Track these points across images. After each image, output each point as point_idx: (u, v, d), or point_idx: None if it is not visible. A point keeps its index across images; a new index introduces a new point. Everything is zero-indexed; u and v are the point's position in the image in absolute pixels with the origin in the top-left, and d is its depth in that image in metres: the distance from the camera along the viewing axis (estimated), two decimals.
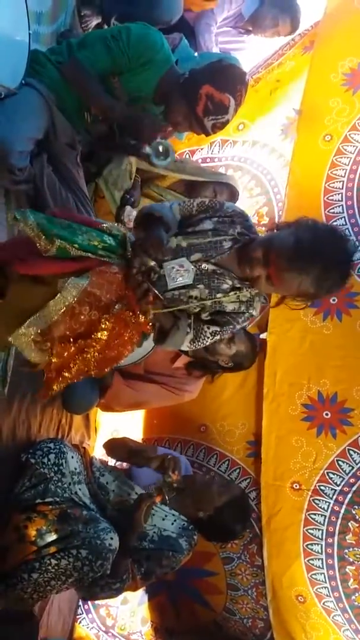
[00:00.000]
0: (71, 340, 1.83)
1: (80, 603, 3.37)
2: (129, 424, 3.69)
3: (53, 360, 1.83)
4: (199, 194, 3.37)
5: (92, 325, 1.83)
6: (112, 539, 2.30)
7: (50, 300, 1.81)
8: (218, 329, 1.93)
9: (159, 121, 2.84)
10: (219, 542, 3.22)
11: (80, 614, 3.37)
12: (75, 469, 2.55)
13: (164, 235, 1.86)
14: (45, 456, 2.47)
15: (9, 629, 2.31)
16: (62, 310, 1.81)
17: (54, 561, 2.20)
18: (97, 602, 3.35)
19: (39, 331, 1.82)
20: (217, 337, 1.94)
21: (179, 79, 2.62)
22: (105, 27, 3.40)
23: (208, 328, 1.92)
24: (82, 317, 1.82)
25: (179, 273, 1.88)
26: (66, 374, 1.87)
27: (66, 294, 1.82)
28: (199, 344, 1.93)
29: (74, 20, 3.28)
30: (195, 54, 3.61)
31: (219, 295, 1.89)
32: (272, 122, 3.69)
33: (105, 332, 1.83)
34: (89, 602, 3.38)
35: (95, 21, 3.41)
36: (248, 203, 3.67)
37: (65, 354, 1.84)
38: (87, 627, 3.35)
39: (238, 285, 1.91)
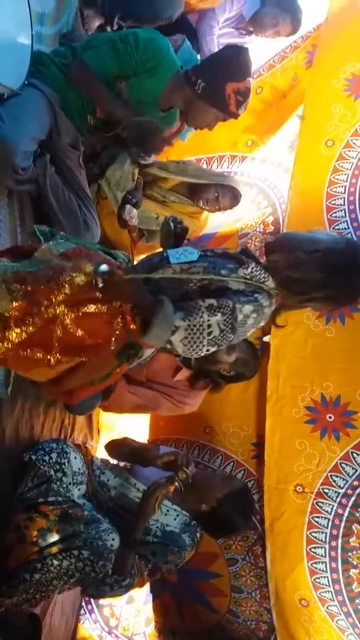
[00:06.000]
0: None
1: (84, 603, 3.37)
2: (136, 425, 3.71)
3: (14, 305, 1.75)
4: (201, 196, 3.38)
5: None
6: (113, 539, 2.30)
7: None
8: (215, 304, 1.75)
9: (163, 128, 2.84)
10: (222, 537, 3.21)
11: (83, 614, 3.37)
12: (79, 469, 2.55)
13: None
14: (47, 455, 2.47)
15: (12, 629, 2.30)
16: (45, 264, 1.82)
17: (55, 562, 2.21)
18: (101, 602, 3.35)
19: (11, 273, 1.79)
20: (215, 320, 1.74)
21: (194, 91, 2.58)
22: (108, 28, 3.41)
23: (207, 310, 1.74)
24: (64, 275, 1.80)
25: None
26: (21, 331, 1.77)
27: (55, 244, 1.85)
28: (196, 338, 1.74)
29: (77, 21, 3.28)
30: (198, 56, 3.62)
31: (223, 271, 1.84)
32: (280, 140, 3.75)
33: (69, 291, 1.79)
34: (93, 602, 3.38)
35: (97, 22, 3.40)
36: (255, 215, 3.71)
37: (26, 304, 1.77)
38: (90, 628, 3.35)
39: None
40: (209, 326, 1.73)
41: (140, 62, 2.53)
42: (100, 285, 1.77)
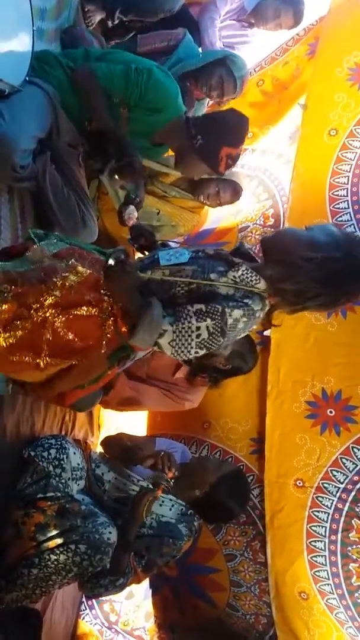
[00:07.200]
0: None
1: (84, 599, 3.39)
2: (134, 421, 3.71)
3: (3, 307, 1.73)
4: (202, 191, 3.37)
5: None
6: (110, 532, 2.30)
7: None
8: (204, 309, 1.72)
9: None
10: (219, 524, 3.24)
11: (83, 610, 3.39)
12: (78, 464, 2.55)
13: None
14: (46, 451, 2.47)
15: (12, 625, 2.32)
16: (37, 264, 1.79)
17: (53, 556, 2.22)
18: (101, 597, 3.37)
19: (1, 273, 1.77)
20: (204, 324, 1.72)
21: (191, 144, 2.67)
22: (109, 22, 3.39)
23: (195, 315, 1.71)
24: (56, 276, 1.78)
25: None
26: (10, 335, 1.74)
27: (47, 244, 1.84)
28: (184, 341, 1.72)
29: (78, 16, 3.26)
30: (200, 49, 3.60)
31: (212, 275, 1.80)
32: (281, 131, 3.75)
33: (57, 294, 1.76)
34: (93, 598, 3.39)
35: (99, 16, 3.38)
36: (255, 207, 3.71)
37: (16, 306, 1.75)
38: (91, 623, 3.37)
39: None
40: (198, 329, 1.72)
41: (145, 97, 2.58)
42: (111, 264, 1.79)
